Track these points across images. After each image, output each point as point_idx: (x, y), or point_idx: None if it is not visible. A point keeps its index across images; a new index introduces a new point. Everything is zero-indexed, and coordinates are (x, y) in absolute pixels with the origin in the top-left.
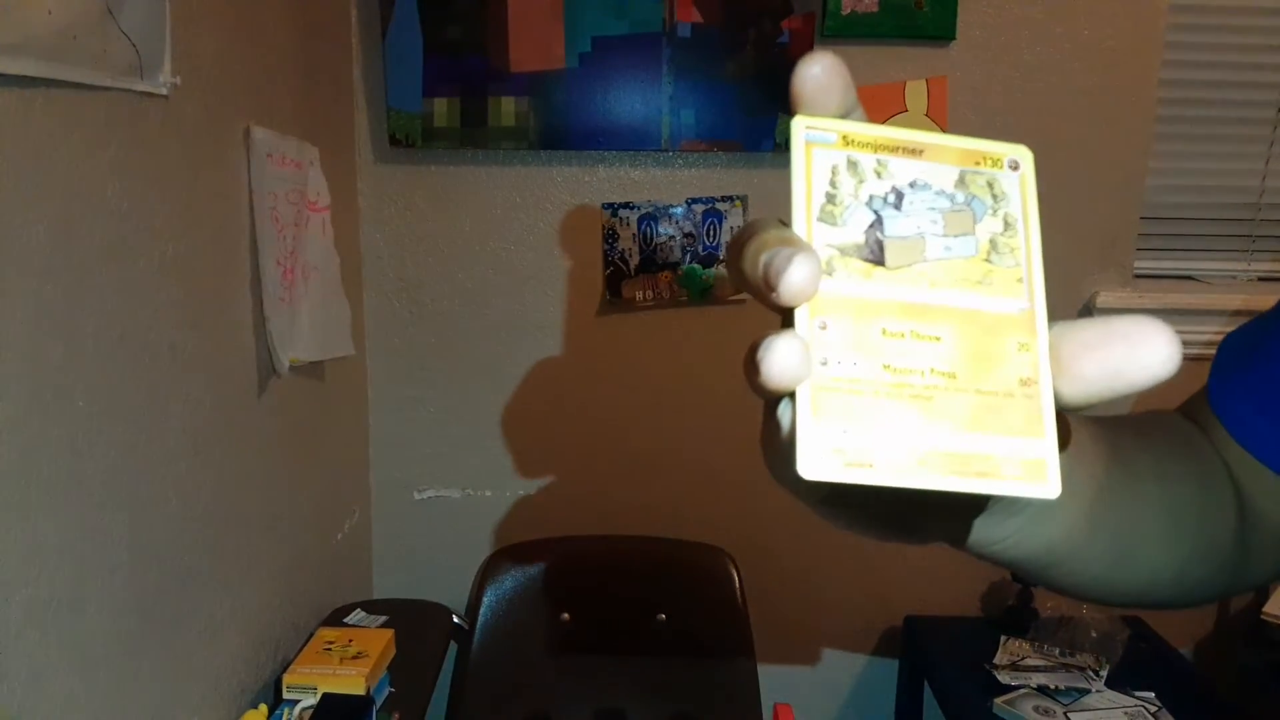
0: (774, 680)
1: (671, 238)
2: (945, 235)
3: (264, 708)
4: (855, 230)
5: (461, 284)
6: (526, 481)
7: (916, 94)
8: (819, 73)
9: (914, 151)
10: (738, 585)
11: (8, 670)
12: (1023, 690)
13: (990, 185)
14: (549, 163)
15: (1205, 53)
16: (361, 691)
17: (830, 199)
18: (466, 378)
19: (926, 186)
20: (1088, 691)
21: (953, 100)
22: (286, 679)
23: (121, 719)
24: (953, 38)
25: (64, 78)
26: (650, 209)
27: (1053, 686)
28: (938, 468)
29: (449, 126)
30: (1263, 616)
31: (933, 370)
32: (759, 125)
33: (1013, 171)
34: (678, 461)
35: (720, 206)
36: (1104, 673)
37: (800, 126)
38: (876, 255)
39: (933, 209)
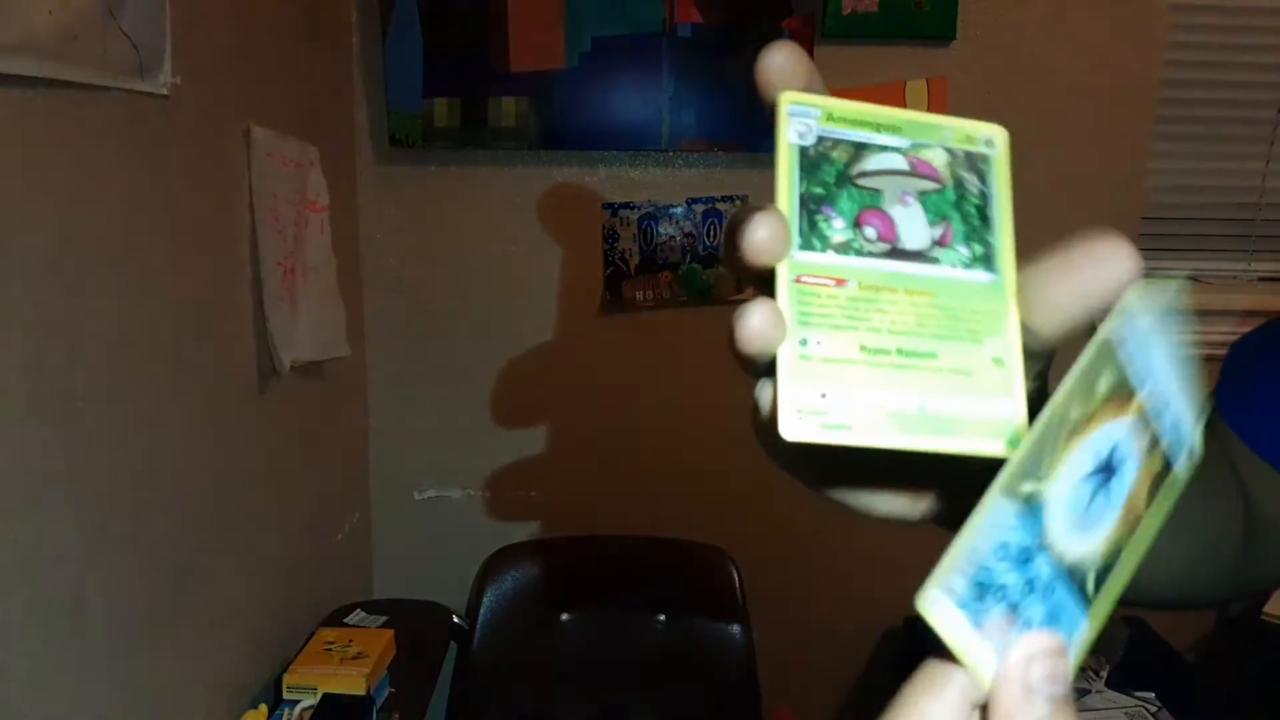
0: (773, 682)
1: (672, 238)
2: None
3: (264, 708)
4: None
5: (462, 284)
6: (526, 481)
7: (917, 94)
8: (782, 60)
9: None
10: (737, 586)
11: (9, 670)
12: None
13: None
14: (549, 163)
15: (1205, 52)
16: (362, 692)
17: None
18: (466, 378)
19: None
20: (1088, 691)
21: (953, 100)
22: (287, 679)
23: (122, 718)
24: (953, 37)
25: (64, 78)
26: (650, 209)
27: None
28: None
29: (449, 126)
30: (1263, 617)
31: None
32: (759, 125)
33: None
34: (678, 461)
35: (721, 206)
36: (1104, 673)
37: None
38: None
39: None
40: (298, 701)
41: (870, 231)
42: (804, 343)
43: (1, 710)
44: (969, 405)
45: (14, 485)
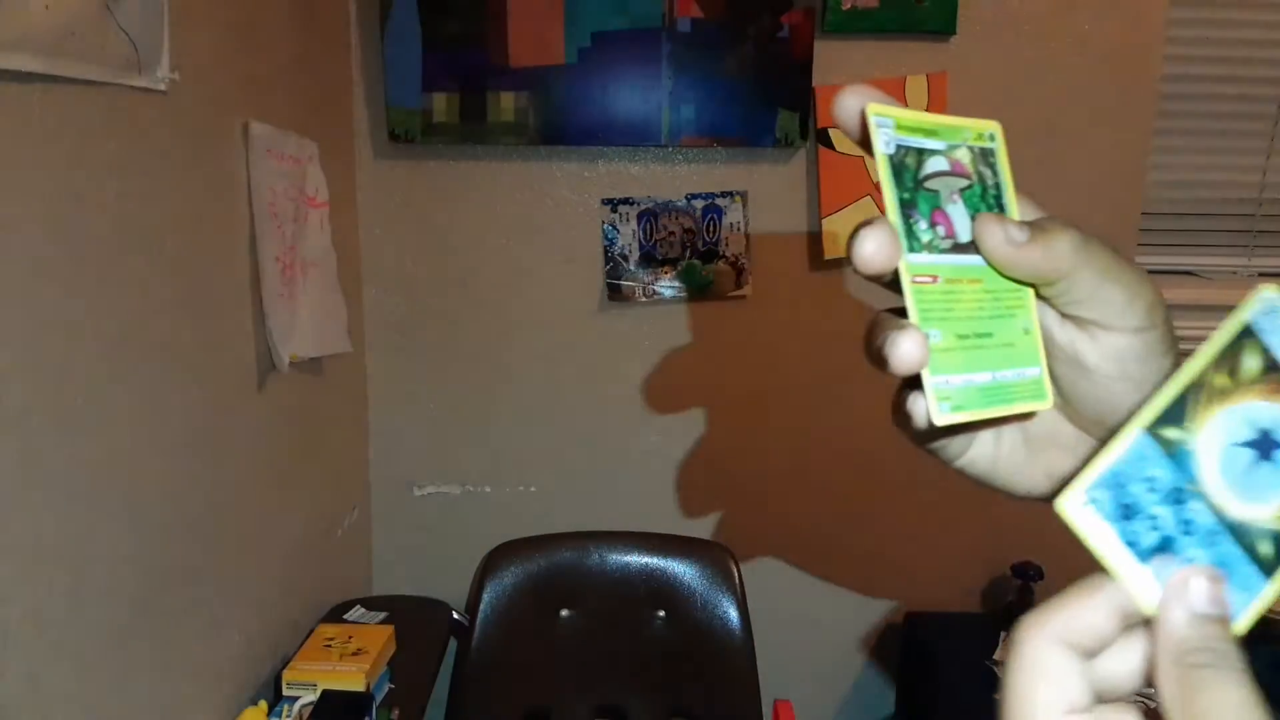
0: (774, 677)
1: (671, 233)
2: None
3: (264, 704)
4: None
5: (461, 280)
6: (526, 477)
7: (917, 89)
8: (855, 96)
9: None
10: (738, 581)
11: (6, 668)
12: None
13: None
14: (549, 158)
15: (1206, 48)
16: (361, 688)
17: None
18: (466, 373)
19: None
20: None
21: (953, 96)
22: (286, 675)
23: (121, 716)
24: (953, 32)
25: (62, 73)
26: (650, 204)
27: None
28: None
29: (448, 122)
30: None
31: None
32: (759, 120)
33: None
34: (677, 457)
35: (720, 202)
36: None
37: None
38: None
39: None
40: (297, 698)
41: (941, 230)
42: (929, 338)
43: (1, 708)
44: (1018, 372)
45: (11, 481)
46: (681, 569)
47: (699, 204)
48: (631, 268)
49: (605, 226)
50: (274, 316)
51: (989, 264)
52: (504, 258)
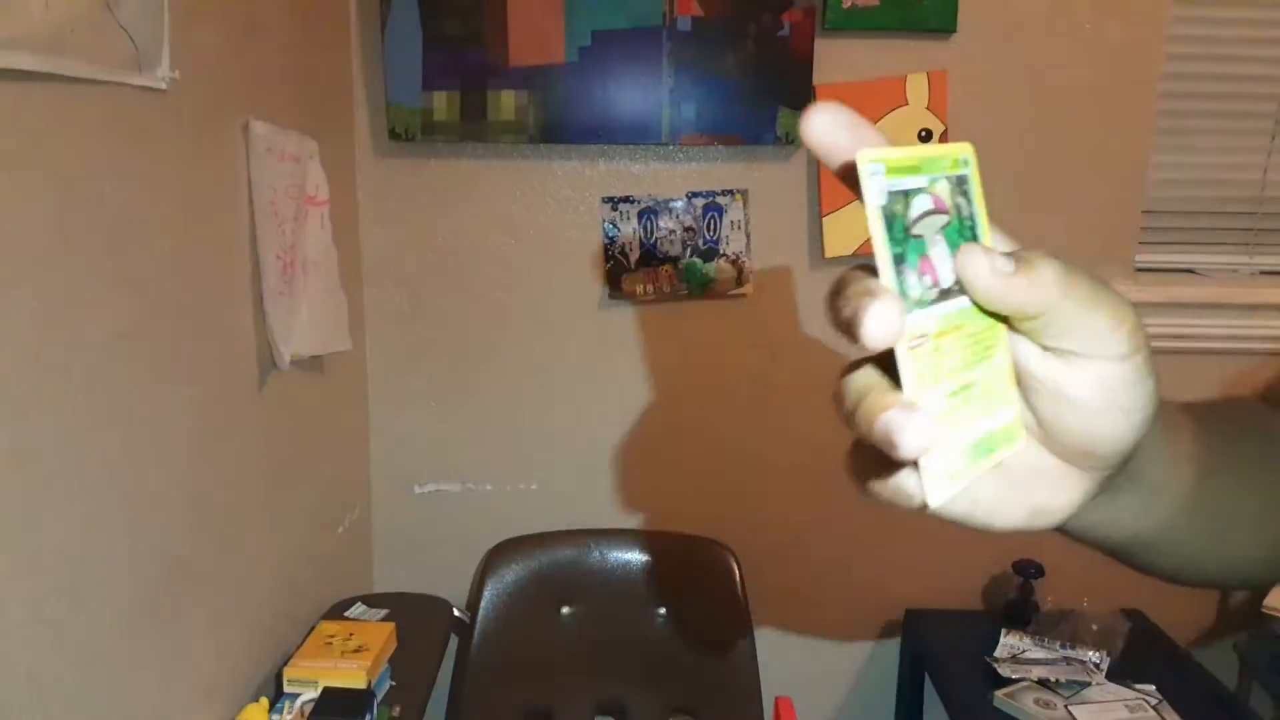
0: (775, 674)
1: (672, 231)
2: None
3: (265, 701)
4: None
5: (461, 278)
6: (527, 475)
7: (917, 87)
8: (826, 121)
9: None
10: (738, 579)
11: (9, 664)
12: (1023, 683)
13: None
14: (549, 156)
15: (1208, 45)
16: (362, 685)
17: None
18: (466, 371)
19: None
20: (1088, 684)
21: (953, 94)
22: (287, 672)
23: (122, 713)
24: (954, 30)
25: (61, 72)
26: (650, 203)
27: (1053, 679)
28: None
29: (448, 120)
30: (1263, 609)
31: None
32: (759, 119)
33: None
34: (678, 455)
35: (721, 200)
36: (1105, 665)
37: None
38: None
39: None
40: (298, 694)
41: (928, 279)
42: (922, 404)
43: (2, 706)
44: (998, 417)
45: (13, 479)
46: (682, 566)
47: (699, 202)
48: (632, 266)
49: (606, 225)
50: (274, 315)
51: (973, 299)
52: (504, 256)
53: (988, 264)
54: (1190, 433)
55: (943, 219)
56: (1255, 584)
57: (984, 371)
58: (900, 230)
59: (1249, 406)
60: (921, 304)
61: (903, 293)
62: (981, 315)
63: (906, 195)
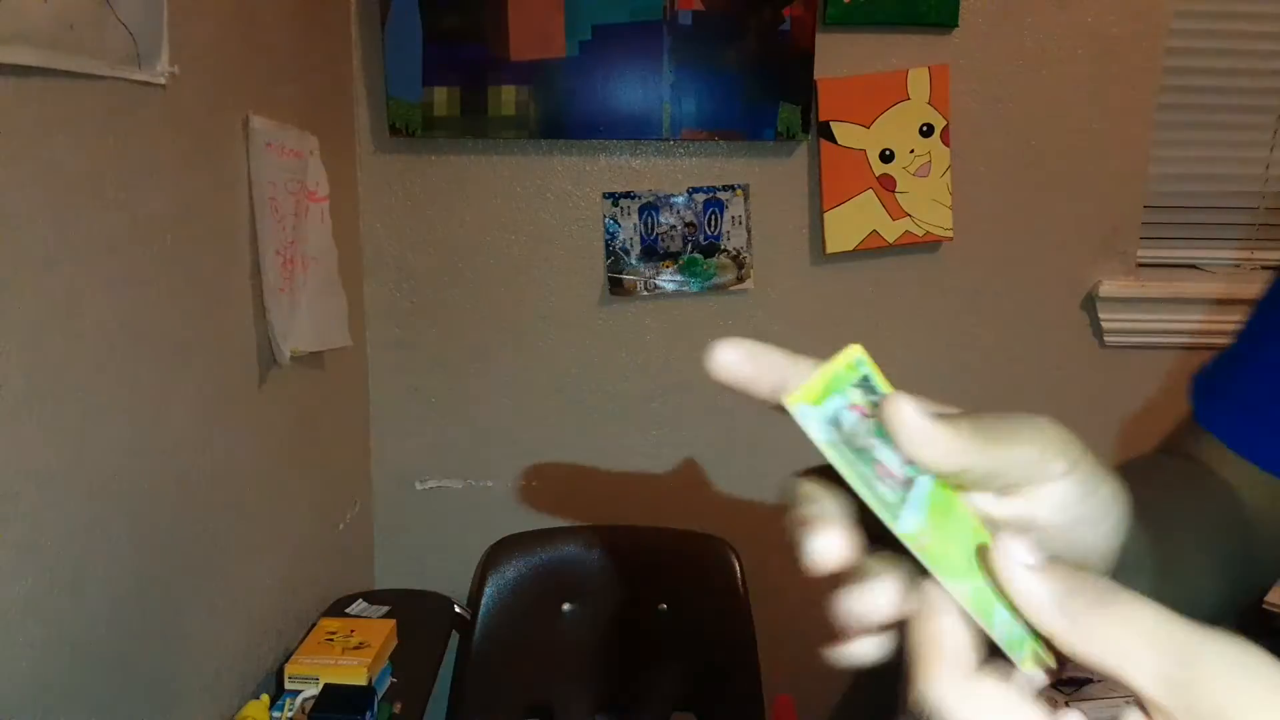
0: (775, 671)
1: (673, 227)
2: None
3: (266, 698)
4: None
5: (462, 273)
6: (528, 472)
7: (919, 82)
8: (730, 359)
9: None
10: (739, 576)
11: (7, 662)
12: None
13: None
14: (549, 152)
15: (1209, 39)
16: (363, 682)
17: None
18: (467, 368)
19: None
20: (1089, 681)
21: (955, 88)
22: (288, 669)
23: (122, 710)
24: (955, 25)
25: (60, 67)
26: (651, 198)
27: None
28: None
29: (449, 115)
30: (1264, 606)
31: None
32: (760, 114)
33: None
34: (679, 452)
35: (721, 195)
36: None
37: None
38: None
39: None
40: (299, 691)
41: (891, 482)
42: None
43: (1, 701)
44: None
45: (13, 475)
46: (683, 563)
47: (700, 197)
48: (633, 261)
49: (606, 220)
50: (274, 311)
51: (908, 453)
52: (505, 251)
53: (912, 402)
54: (1144, 554)
55: (870, 422)
56: (1217, 616)
57: (972, 537)
58: (850, 451)
59: (1159, 465)
60: (901, 505)
61: (885, 503)
62: (940, 489)
63: (837, 417)
